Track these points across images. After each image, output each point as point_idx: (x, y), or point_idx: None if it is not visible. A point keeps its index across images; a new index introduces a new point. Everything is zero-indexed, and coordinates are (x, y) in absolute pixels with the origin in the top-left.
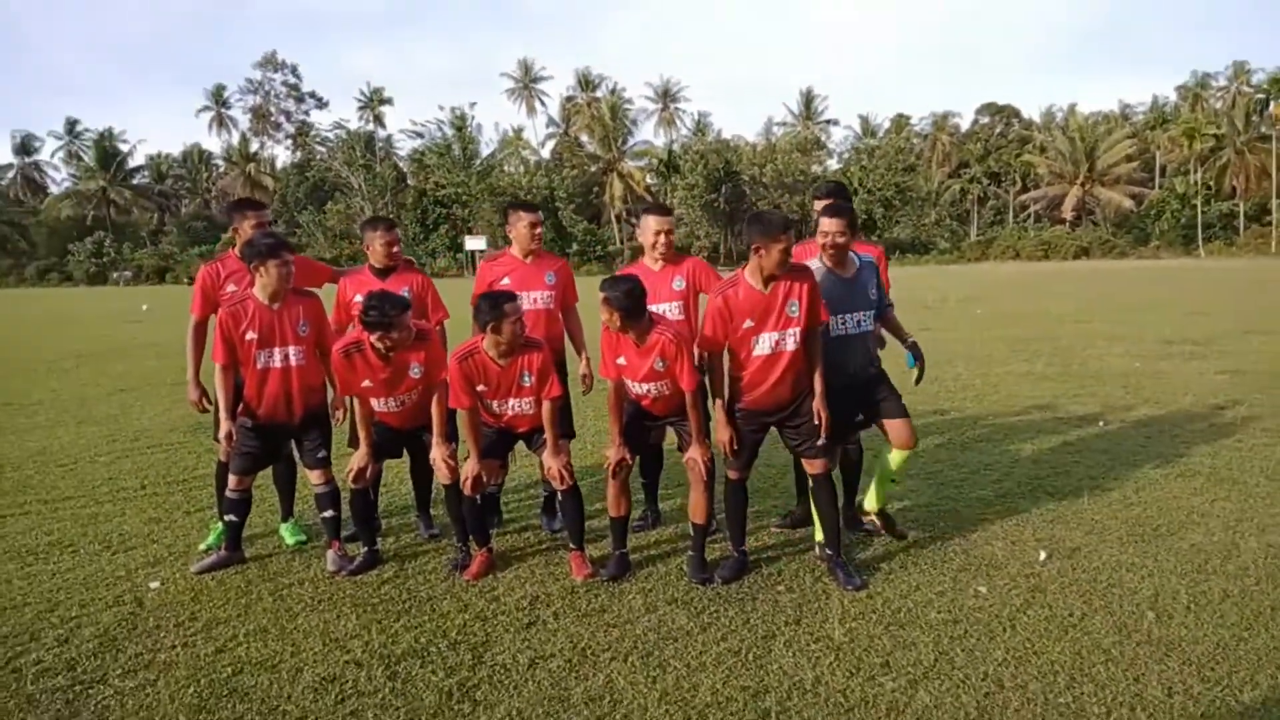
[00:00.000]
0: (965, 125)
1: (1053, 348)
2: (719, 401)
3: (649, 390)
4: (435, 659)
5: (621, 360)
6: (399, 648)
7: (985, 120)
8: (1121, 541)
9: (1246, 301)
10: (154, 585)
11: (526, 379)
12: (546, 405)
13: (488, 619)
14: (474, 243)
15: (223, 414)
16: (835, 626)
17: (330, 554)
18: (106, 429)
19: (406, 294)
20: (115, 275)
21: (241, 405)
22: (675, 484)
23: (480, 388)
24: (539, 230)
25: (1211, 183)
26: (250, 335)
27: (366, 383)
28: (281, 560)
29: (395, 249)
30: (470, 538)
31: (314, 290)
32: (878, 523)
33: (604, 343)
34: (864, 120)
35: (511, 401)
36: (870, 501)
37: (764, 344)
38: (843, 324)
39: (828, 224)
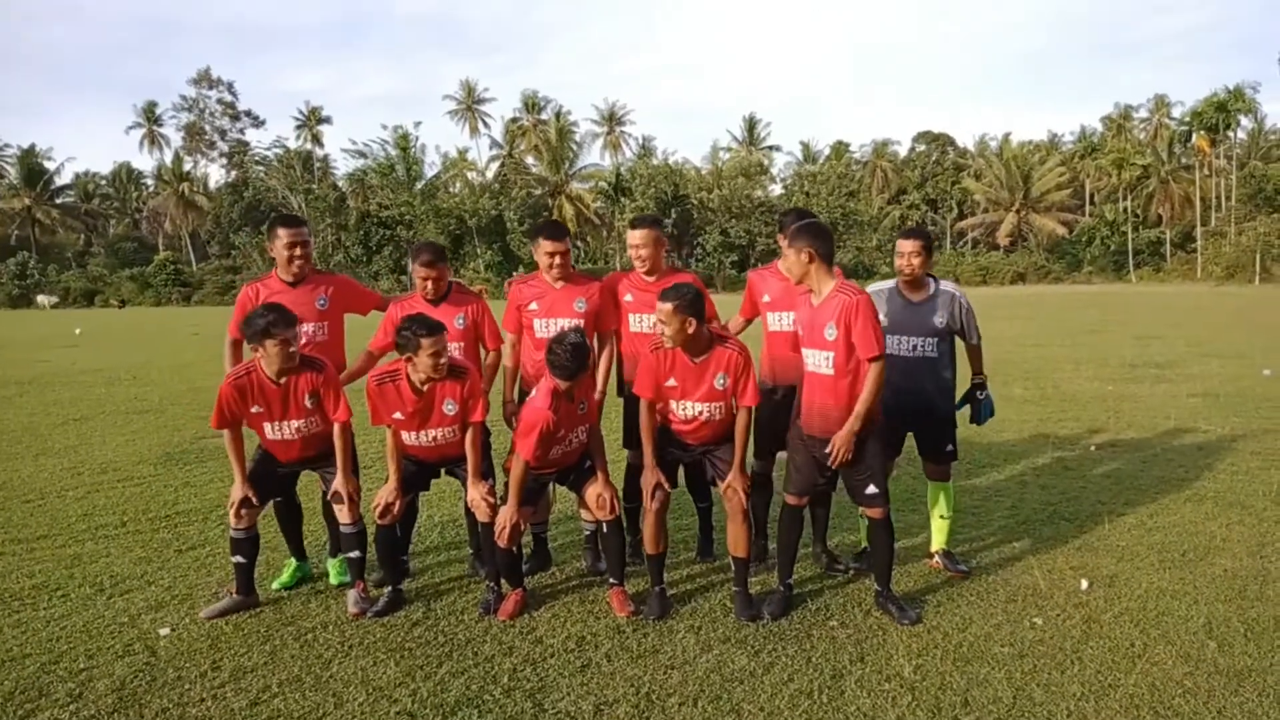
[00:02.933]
0: (903, 153)
1: (1022, 371)
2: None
3: (701, 412)
4: (493, 708)
5: (672, 382)
6: (450, 696)
7: (922, 148)
8: (1155, 568)
9: (1190, 325)
10: (164, 632)
11: (582, 406)
12: (594, 431)
13: (537, 663)
14: None
15: (237, 478)
16: (903, 663)
17: (352, 594)
18: (68, 461)
19: (460, 322)
20: (41, 299)
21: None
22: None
23: (561, 433)
24: (564, 260)
25: (1139, 210)
26: (256, 409)
27: (398, 414)
28: (297, 603)
29: (436, 284)
30: (504, 578)
31: (322, 360)
32: (937, 563)
33: (644, 364)
34: (805, 147)
35: (576, 431)
36: (934, 541)
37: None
38: (898, 345)
39: (904, 244)
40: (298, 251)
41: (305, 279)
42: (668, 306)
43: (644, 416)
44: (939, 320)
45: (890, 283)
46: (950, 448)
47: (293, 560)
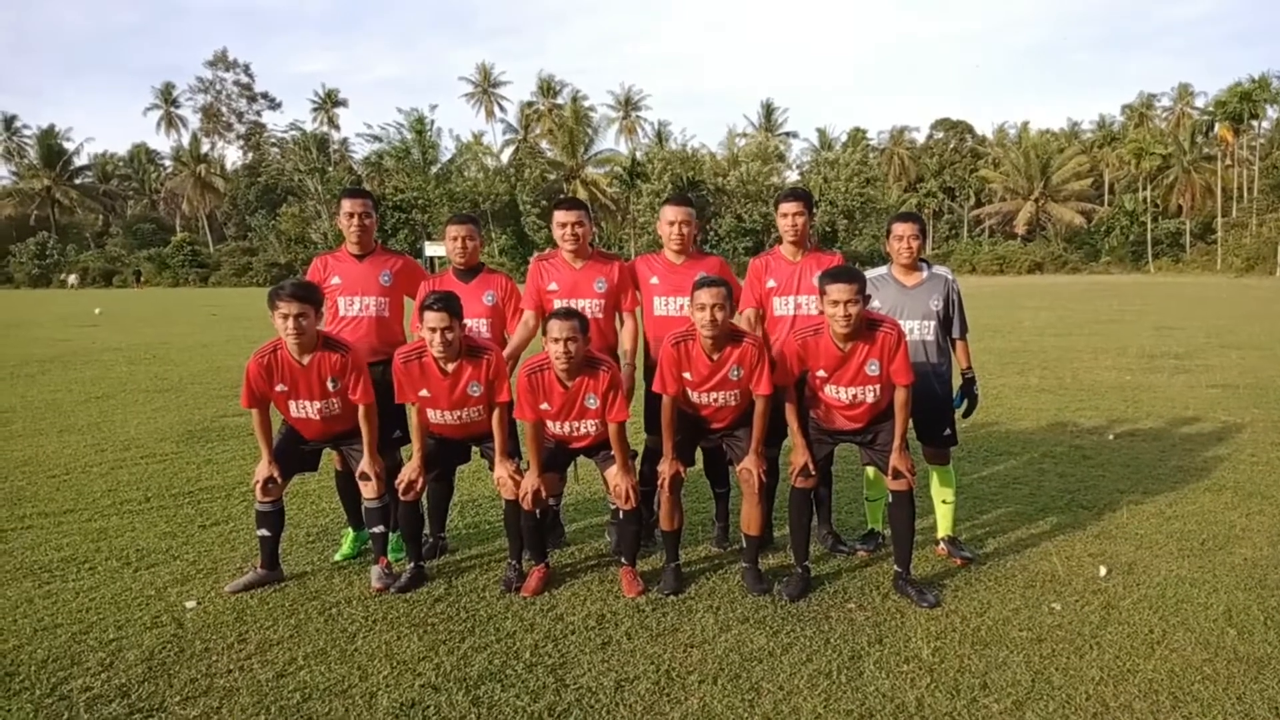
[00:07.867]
0: (921, 140)
1: (1041, 361)
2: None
3: (715, 399)
4: (515, 682)
5: (688, 375)
6: (473, 670)
7: (940, 135)
8: (1174, 556)
9: (1209, 316)
10: (190, 605)
11: (591, 401)
12: (613, 428)
13: (558, 639)
14: (433, 249)
15: (263, 457)
16: (921, 646)
17: (375, 570)
18: (91, 438)
19: (490, 298)
20: (70, 278)
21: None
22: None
23: (544, 406)
24: (579, 230)
25: (1159, 201)
26: (280, 387)
27: (424, 392)
28: (321, 578)
29: (470, 244)
30: (527, 554)
31: (347, 344)
32: (942, 550)
33: (664, 358)
34: (822, 133)
35: (576, 423)
36: (939, 528)
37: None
38: None
39: (902, 228)
40: (355, 222)
41: (372, 253)
42: (706, 293)
43: (665, 411)
44: (934, 303)
45: (883, 269)
46: (948, 432)
47: (350, 530)
